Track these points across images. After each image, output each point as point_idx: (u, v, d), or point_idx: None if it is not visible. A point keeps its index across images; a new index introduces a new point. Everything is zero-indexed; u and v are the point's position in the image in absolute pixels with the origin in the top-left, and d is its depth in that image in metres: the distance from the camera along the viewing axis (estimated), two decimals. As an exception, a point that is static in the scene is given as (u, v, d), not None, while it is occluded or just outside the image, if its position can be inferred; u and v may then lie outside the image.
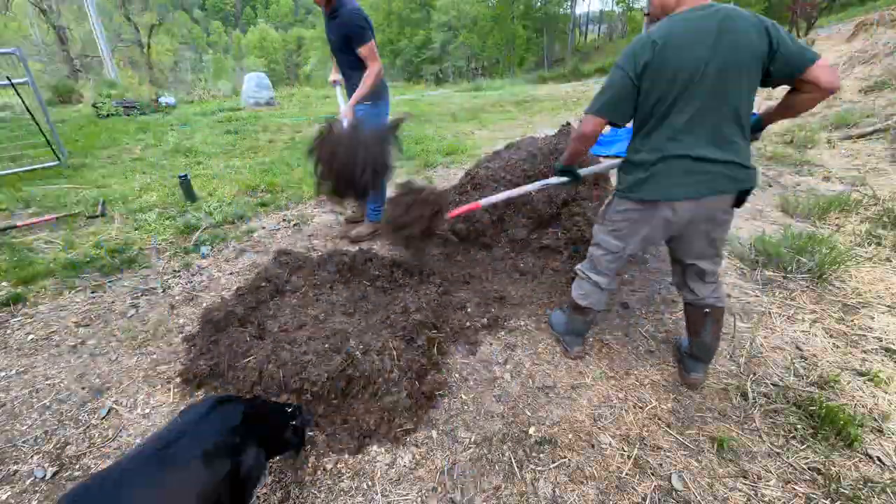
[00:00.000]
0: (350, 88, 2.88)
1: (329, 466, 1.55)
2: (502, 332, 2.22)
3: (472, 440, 1.65)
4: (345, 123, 2.57)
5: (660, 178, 1.50)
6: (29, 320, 2.45)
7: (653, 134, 1.50)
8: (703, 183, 1.46)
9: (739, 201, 1.54)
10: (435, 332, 2.06)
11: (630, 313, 2.33)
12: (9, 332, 2.35)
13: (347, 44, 2.70)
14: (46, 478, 1.55)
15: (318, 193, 2.34)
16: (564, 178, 1.95)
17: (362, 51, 2.67)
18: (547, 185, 2.06)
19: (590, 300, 1.86)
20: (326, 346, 1.81)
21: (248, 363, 1.80)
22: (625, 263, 1.84)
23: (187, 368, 1.94)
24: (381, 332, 1.93)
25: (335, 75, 3.09)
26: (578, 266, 1.92)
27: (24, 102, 5.01)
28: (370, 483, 1.50)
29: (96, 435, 1.72)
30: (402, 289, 2.35)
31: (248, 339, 1.94)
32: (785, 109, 1.51)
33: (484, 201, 2.17)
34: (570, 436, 1.65)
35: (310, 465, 1.56)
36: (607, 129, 6.24)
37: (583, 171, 1.96)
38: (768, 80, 1.40)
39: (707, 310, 1.73)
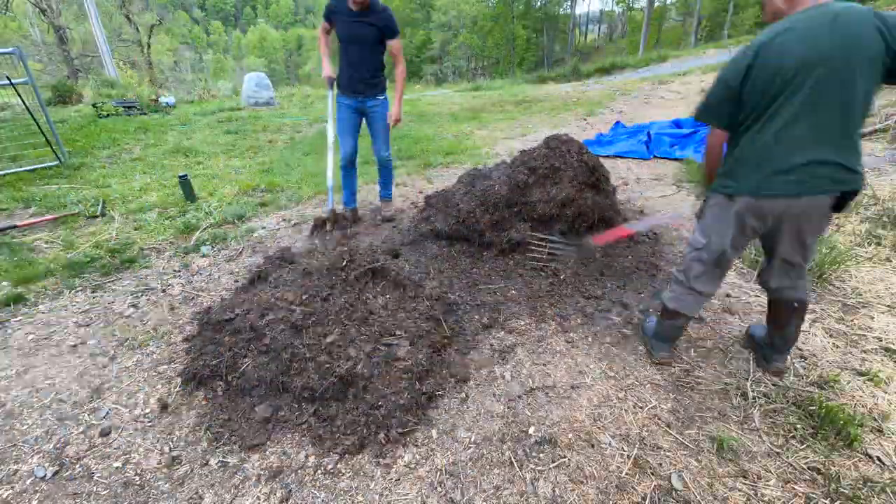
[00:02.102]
0: (357, 80, 3.09)
1: (329, 466, 1.55)
2: (502, 332, 2.22)
3: (472, 440, 1.65)
4: (390, 119, 3.16)
5: (756, 173, 1.49)
6: (29, 320, 2.45)
7: (751, 131, 1.49)
8: (801, 182, 1.43)
9: (840, 205, 1.50)
10: (435, 332, 2.06)
11: (630, 313, 2.33)
12: (9, 332, 2.35)
13: (380, 38, 2.96)
14: (46, 478, 1.55)
15: None
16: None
17: (396, 44, 3.02)
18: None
19: (678, 303, 1.83)
20: (327, 346, 1.81)
21: (247, 364, 1.80)
22: (719, 264, 1.74)
23: (187, 368, 1.94)
24: (381, 332, 1.93)
25: (330, 70, 3.18)
26: (673, 268, 1.90)
27: (24, 102, 5.01)
28: (370, 483, 1.50)
29: (96, 435, 1.72)
30: (401, 288, 2.35)
31: (248, 339, 1.93)
32: None
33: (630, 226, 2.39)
34: (570, 436, 1.65)
35: (310, 465, 1.56)
36: (608, 129, 6.25)
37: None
38: (890, 76, 1.37)
39: (796, 304, 1.75)
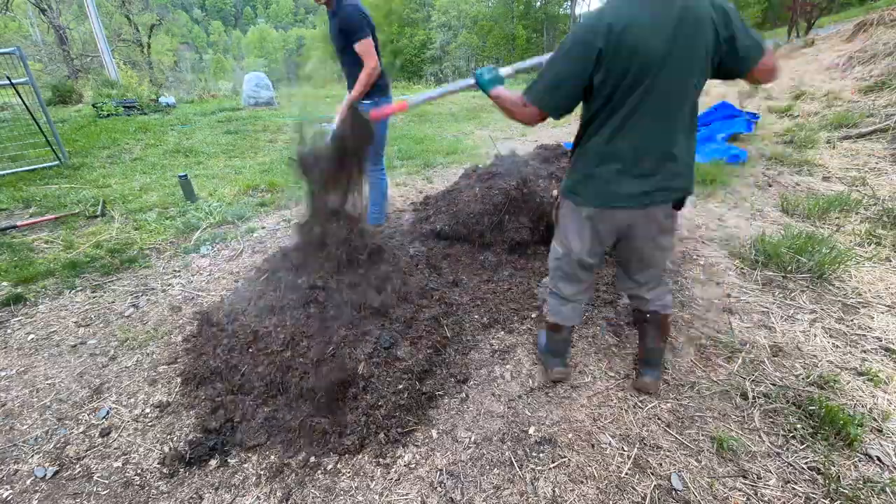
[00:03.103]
0: (350, 88, 2.83)
1: (329, 466, 1.55)
2: (502, 332, 2.22)
3: (472, 440, 1.65)
4: (336, 120, 2.43)
5: (600, 182, 1.42)
6: (29, 320, 2.45)
7: (597, 132, 1.38)
8: (643, 195, 1.39)
9: (679, 204, 1.49)
10: (435, 332, 2.05)
11: (630, 314, 2.33)
12: (9, 332, 2.35)
13: (346, 40, 2.66)
14: (46, 478, 1.55)
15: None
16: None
17: (357, 47, 2.61)
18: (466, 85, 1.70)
19: (556, 316, 1.75)
20: (327, 348, 1.81)
21: (247, 364, 1.80)
22: (582, 269, 1.63)
23: (187, 368, 1.94)
24: (380, 332, 1.93)
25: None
26: (545, 280, 1.76)
27: (24, 102, 5.02)
28: (370, 483, 1.50)
29: (96, 435, 1.72)
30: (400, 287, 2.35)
31: (248, 340, 1.93)
32: None
33: (411, 99, 1.93)
34: (570, 435, 1.65)
35: (310, 465, 1.56)
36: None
37: (503, 70, 1.64)
38: (717, 73, 1.32)
39: (648, 315, 1.71)
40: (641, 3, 1.22)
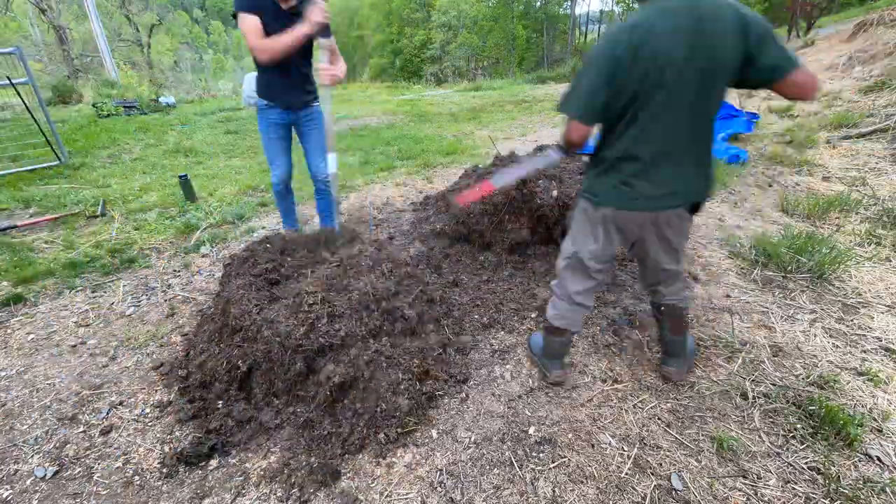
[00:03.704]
0: (290, 91, 2.54)
1: (329, 467, 1.55)
2: (502, 332, 2.22)
3: (472, 440, 1.65)
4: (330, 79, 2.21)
5: (618, 185, 1.46)
6: (29, 320, 2.45)
7: (618, 136, 1.43)
8: (661, 198, 1.45)
9: (696, 209, 1.55)
10: (435, 332, 2.05)
11: (630, 315, 2.33)
12: (9, 332, 2.35)
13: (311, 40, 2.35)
14: (46, 478, 1.55)
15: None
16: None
17: (331, 43, 2.24)
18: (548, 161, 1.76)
19: (562, 321, 1.76)
20: (327, 348, 1.81)
21: (247, 364, 1.80)
22: (591, 270, 1.66)
23: (187, 368, 1.94)
24: (380, 333, 1.93)
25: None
26: (552, 282, 1.81)
27: (24, 102, 5.02)
28: (370, 482, 1.50)
29: (96, 435, 1.72)
30: (400, 288, 2.35)
31: (248, 339, 1.93)
32: None
33: (496, 181, 1.89)
34: (570, 435, 1.65)
35: (310, 464, 1.56)
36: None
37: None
38: (742, 83, 1.35)
39: (663, 308, 1.78)
40: (664, 15, 1.27)
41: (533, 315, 2.32)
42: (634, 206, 1.47)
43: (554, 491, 1.46)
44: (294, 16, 2.29)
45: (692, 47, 1.25)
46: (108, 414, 1.82)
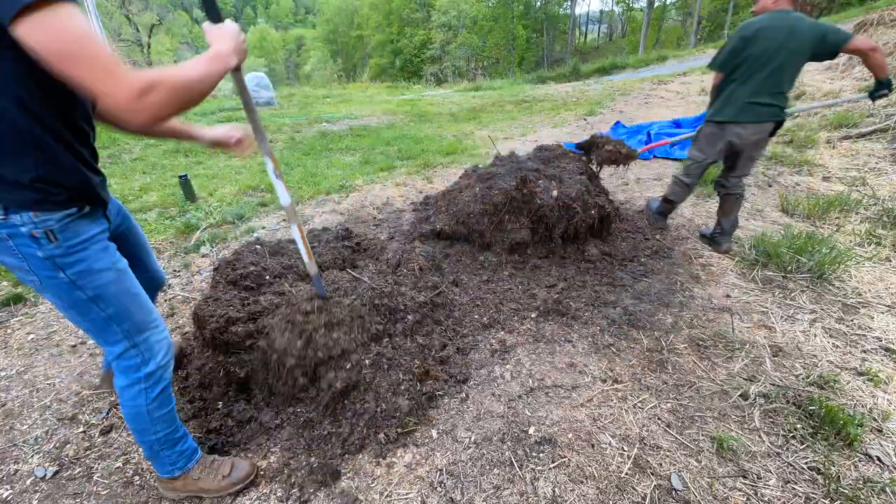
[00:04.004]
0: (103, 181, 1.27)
1: (329, 467, 1.55)
2: (502, 332, 2.22)
3: (472, 440, 1.65)
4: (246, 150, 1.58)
5: (736, 105, 2.54)
6: (29, 320, 2.45)
7: (736, 80, 2.54)
8: (759, 114, 2.51)
9: (773, 133, 2.60)
10: (435, 332, 2.05)
11: (630, 315, 2.33)
12: (9, 332, 2.35)
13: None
14: (46, 477, 1.55)
15: None
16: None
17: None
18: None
19: (676, 196, 2.99)
20: (327, 348, 1.81)
21: (247, 364, 1.80)
22: (703, 168, 2.84)
23: (186, 369, 1.94)
24: (380, 333, 1.93)
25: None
26: (674, 173, 3.03)
27: (23, 102, 5.01)
28: (370, 482, 1.50)
29: (96, 435, 1.72)
30: (400, 289, 2.35)
31: (248, 339, 1.93)
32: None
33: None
34: (570, 436, 1.65)
35: (310, 465, 1.56)
36: (607, 129, 6.25)
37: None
38: (817, 57, 2.42)
39: (736, 197, 2.77)
40: (772, 20, 2.41)
41: (533, 315, 2.33)
42: (743, 118, 2.54)
43: (554, 491, 1.46)
44: None
45: (785, 39, 2.36)
46: (108, 414, 1.82)
